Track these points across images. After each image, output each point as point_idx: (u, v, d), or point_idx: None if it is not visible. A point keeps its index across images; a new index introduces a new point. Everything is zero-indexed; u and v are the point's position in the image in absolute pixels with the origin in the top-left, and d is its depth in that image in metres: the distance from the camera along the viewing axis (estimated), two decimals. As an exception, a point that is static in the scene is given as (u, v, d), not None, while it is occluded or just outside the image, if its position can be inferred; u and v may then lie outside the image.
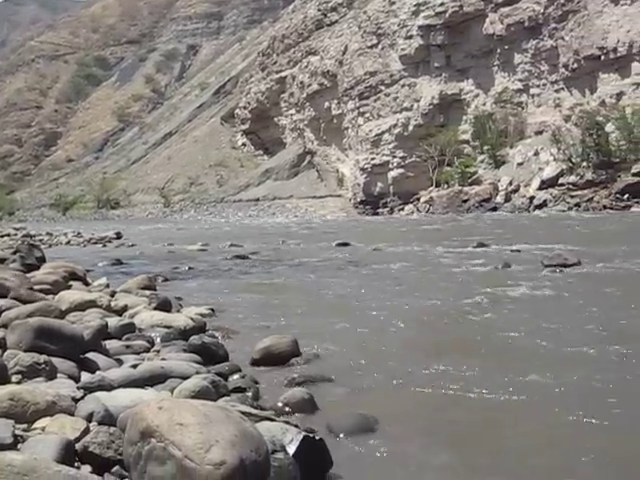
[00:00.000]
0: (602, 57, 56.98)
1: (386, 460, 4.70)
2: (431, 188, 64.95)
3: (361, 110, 75.99)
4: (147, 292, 11.33)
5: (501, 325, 9.16)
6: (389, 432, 5.18)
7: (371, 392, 6.31)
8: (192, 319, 8.88)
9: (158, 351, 7.35)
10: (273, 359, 7.27)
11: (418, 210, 62.42)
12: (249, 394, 5.98)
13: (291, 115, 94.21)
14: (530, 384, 6.29)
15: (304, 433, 4.38)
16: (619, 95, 55.84)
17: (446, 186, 63.03)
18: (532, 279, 13.27)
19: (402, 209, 66.06)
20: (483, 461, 4.67)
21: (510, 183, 57.55)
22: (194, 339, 7.54)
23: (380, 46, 75.54)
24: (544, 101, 63.77)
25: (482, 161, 64.25)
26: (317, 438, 4.42)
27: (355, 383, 6.57)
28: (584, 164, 52.92)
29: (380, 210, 69.07)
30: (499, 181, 58.68)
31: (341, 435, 5.07)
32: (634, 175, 48.35)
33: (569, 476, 4.39)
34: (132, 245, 31.23)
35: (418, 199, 64.65)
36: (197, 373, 6.12)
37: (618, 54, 55.71)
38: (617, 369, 6.68)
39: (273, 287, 14.08)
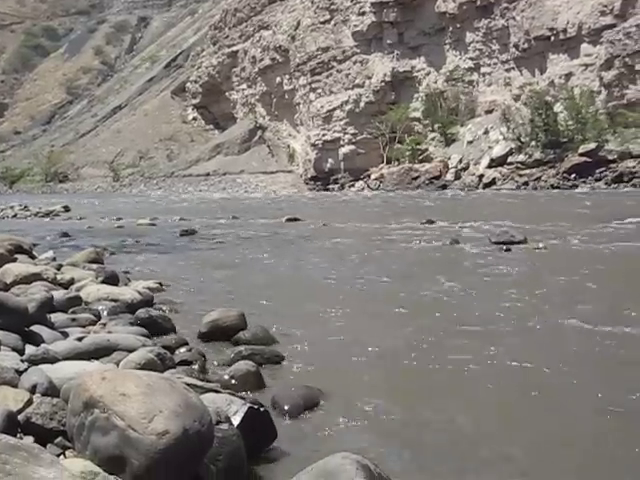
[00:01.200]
0: (552, 38, 57.36)
1: (329, 432, 4.75)
2: (382, 165, 65.02)
3: (313, 86, 75.71)
4: (94, 266, 11.24)
5: (445, 298, 9.29)
6: (333, 404, 5.24)
7: (318, 365, 6.36)
8: (139, 293, 8.85)
9: (104, 324, 7.31)
10: (220, 332, 7.27)
11: (369, 187, 62.52)
12: (195, 367, 6.00)
13: (242, 90, 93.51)
14: (474, 351, 6.40)
15: (249, 405, 4.40)
16: (568, 76, 56.33)
17: (397, 163, 63.15)
18: (479, 256, 13.44)
19: (353, 185, 66.11)
20: (425, 436, 4.75)
21: (460, 161, 57.88)
22: (141, 312, 7.53)
23: (333, 22, 75.18)
24: (495, 80, 64.10)
25: (433, 139, 64.46)
26: (262, 410, 4.45)
27: (302, 356, 6.62)
28: (533, 143, 53.39)
29: (331, 186, 69.03)
30: (449, 159, 58.97)
31: (286, 407, 5.11)
32: (581, 155, 48.91)
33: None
34: (80, 219, 30.87)
35: (369, 176, 64.69)
36: (143, 346, 6.12)
37: (568, 35, 56.12)
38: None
39: (222, 262, 14.05)
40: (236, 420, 4.24)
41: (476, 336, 7.20)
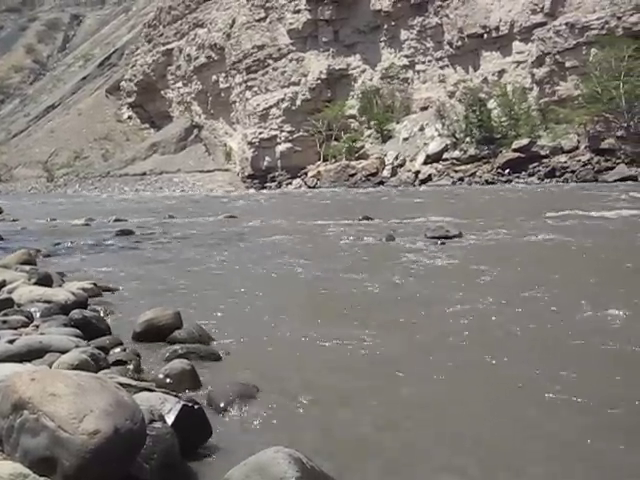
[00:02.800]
0: (485, 35, 58.28)
1: (264, 427, 4.77)
2: (319, 162, 65.26)
3: (249, 84, 75.64)
4: (27, 267, 11.07)
5: (379, 292, 9.39)
6: (269, 400, 5.25)
7: (253, 362, 6.37)
8: (73, 294, 8.73)
9: (37, 326, 7.20)
10: (155, 332, 7.22)
11: (306, 184, 62.68)
12: (130, 367, 5.96)
13: (178, 88, 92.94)
14: (405, 343, 6.49)
15: (183, 402, 4.39)
16: (501, 73, 57.30)
17: (334, 160, 63.41)
18: (414, 250, 13.58)
19: (290, 183, 66.26)
20: (359, 430, 4.79)
21: (396, 158, 58.41)
22: (75, 313, 7.42)
23: (268, 20, 75.18)
24: (429, 77, 64.82)
25: (369, 136, 64.91)
26: (196, 407, 4.45)
27: (238, 353, 6.63)
28: (467, 139, 54.19)
29: (268, 184, 69.11)
30: (385, 156, 59.47)
31: (221, 404, 5.11)
32: (514, 151, 49.82)
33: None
34: (14, 220, 30.30)
35: (306, 173, 64.88)
36: (77, 347, 6.05)
37: (500, 33, 57.08)
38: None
39: (158, 261, 13.96)
40: (170, 418, 4.22)
41: (408, 328, 7.31)
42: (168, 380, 5.61)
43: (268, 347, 6.85)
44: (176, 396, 4.59)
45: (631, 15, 48.00)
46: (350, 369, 6.05)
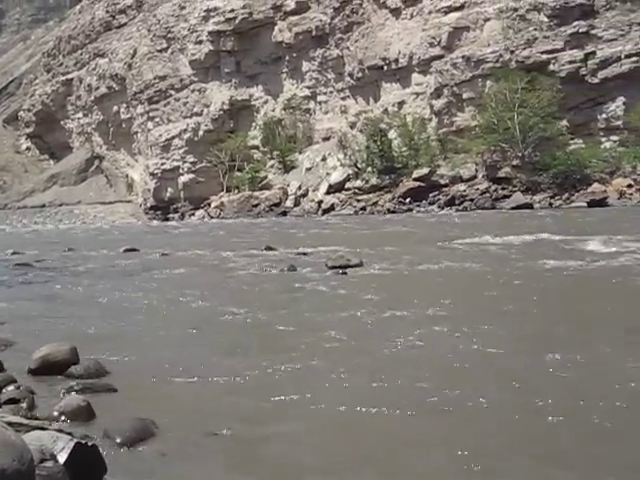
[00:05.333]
0: (385, 67, 59.44)
1: (160, 463, 4.73)
2: (222, 193, 65.11)
3: (151, 114, 75.13)
4: None
5: (277, 322, 9.44)
6: (165, 435, 5.22)
7: (150, 395, 6.32)
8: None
9: None
10: (51, 368, 7.09)
11: (209, 215, 62.43)
12: (23, 405, 5.83)
13: (78, 119, 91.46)
14: (298, 371, 6.54)
15: (76, 440, 4.32)
16: (401, 104, 58.44)
17: (237, 191, 63.38)
18: (316, 280, 13.68)
19: (193, 214, 65.90)
20: (262, 464, 4.81)
21: (299, 188, 58.78)
22: (-36, 352, 7.24)
23: (170, 50, 74.93)
24: (331, 108, 65.59)
25: (272, 166, 65.16)
26: (90, 445, 4.38)
27: (135, 387, 6.57)
28: (369, 169, 54.96)
29: (171, 215, 68.59)
30: (288, 186, 59.80)
31: (118, 440, 5.04)
32: (415, 180, 50.77)
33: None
34: None
35: (209, 204, 64.62)
36: (-35, 387, 5.90)
37: (399, 65, 58.30)
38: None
39: (55, 295, 13.68)
40: (62, 457, 4.15)
41: (301, 356, 7.37)
42: (63, 417, 5.52)
43: (166, 380, 6.80)
44: (69, 434, 4.52)
45: (524, 49, 49.80)
46: (246, 396, 6.07)
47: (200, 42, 71.99)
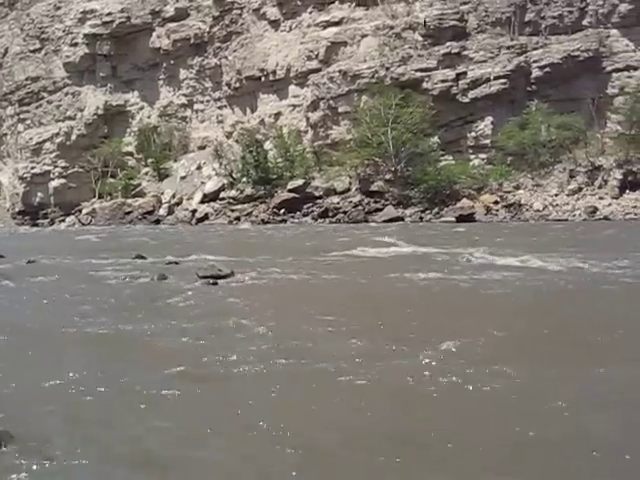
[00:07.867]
0: (262, 78, 59.72)
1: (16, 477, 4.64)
2: (94, 200, 63.77)
3: (21, 117, 72.95)
4: None
5: (143, 335, 9.36)
6: (23, 448, 5.11)
7: (8, 408, 6.16)
8: None
9: None
10: None
11: (80, 222, 60.92)
12: None
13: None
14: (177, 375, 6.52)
15: None
16: (277, 115, 58.86)
17: (109, 198, 62.26)
18: (185, 290, 13.60)
19: (63, 220, 64.20)
20: None
21: (173, 196, 58.31)
22: None
23: (44, 51, 72.98)
24: (207, 117, 65.37)
25: (146, 173, 64.35)
26: None
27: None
28: (244, 179, 55.01)
29: (40, 221, 66.61)
30: (162, 194, 59.22)
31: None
32: (289, 191, 51.12)
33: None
34: None
35: (80, 210, 63.13)
36: None
37: (277, 77, 58.71)
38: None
39: None
40: None
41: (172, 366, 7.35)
42: None
43: (25, 393, 6.65)
44: None
45: (398, 66, 51.02)
46: (104, 411, 6.00)
47: (75, 44, 70.41)
